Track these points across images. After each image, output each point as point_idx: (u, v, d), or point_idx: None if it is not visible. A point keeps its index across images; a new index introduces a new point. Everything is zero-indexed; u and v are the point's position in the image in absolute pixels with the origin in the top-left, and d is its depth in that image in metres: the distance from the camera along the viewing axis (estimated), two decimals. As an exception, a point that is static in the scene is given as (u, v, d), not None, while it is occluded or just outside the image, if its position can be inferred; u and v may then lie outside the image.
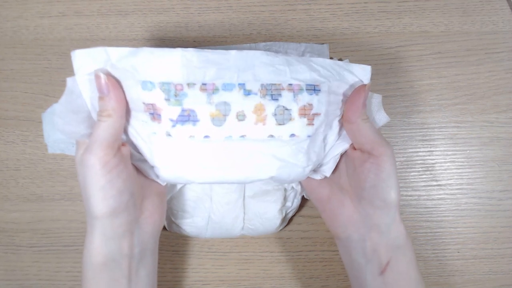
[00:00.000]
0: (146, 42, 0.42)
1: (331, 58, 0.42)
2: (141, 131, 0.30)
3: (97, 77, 0.28)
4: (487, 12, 0.43)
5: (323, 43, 0.42)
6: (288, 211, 0.39)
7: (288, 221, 0.40)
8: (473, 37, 0.42)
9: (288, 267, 0.40)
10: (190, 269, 0.40)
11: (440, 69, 0.42)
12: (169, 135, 0.28)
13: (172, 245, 0.40)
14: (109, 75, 0.28)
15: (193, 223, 0.38)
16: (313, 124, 0.29)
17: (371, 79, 0.32)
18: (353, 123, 0.31)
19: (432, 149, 0.42)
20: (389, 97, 0.42)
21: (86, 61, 0.28)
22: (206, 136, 0.28)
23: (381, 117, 0.34)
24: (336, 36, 0.42)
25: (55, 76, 0.41)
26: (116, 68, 0.28)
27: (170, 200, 0.38)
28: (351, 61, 0.36)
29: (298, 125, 0.29)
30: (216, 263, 0.40)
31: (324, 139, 0.32)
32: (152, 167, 0.31)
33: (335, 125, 0.32)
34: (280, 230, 0.40)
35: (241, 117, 0.28)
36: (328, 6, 0.42)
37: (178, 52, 0.27)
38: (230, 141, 0.28)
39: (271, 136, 0.29)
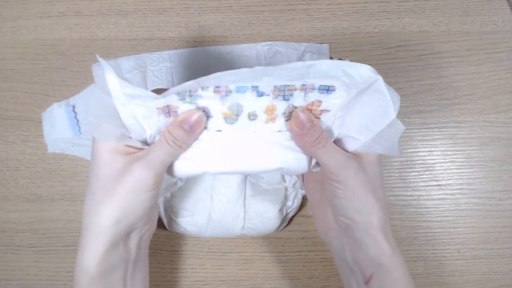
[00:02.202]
0: (146, 42, 0.42)
1: (331, 58, 0.42)
2: (154, 132, 0.29)
3: (193, 112, 0.28)
4: (487, 12, 0.43)
5: (323, 43, 0.42)
6: (288, 211, 0.39)
7: (288, 221, 0.40)
8: (473, 37, 0.42)
9: (288, 267, 0.40)
10: (190, 269, 0.40)
11: (440, 69, 0.42)
12: None
13: (172, 245, 0.40)
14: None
15: (193, 221, 0.38)
16: (319, 118, 0.30)
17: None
18: (307, 151, 0.30)
19: (432, 149, 0.42)
20: (389, 97, 0.42)
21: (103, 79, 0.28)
22: (219, 130, 0.29)
23: (390, 146, 0.30)
24: (336, 36, 0.42)
25: (55, 76, 0.41)
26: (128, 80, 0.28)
27: (171, 198, 0.38)
28: (351, 61, 0.35)
29: None
30: (216, 263, 0.40)
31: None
32: None
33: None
34: (280, 230, 0.40)
35: (252, 117, 0.29)
36: (328, 6, 0.42)
37: (195, 82, 0.26)
38: (242, 133, 0.29)
39: (280, 131, 0.30)
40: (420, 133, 0.42)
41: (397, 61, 0.42)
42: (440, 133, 0.42)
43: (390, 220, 0.41)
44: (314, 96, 0.29)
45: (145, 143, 0.30)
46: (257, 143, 0.29)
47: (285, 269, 0.40)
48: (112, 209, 0.27)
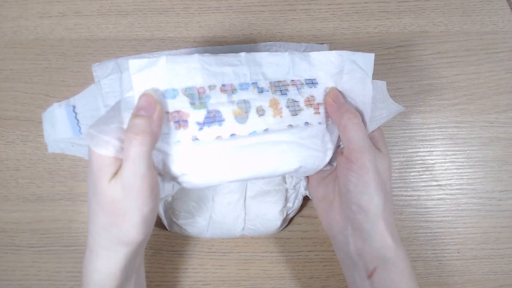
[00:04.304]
0: (146, 42, 0.42)
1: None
2: (160, 145, 0.28)
3: (146, 95, 0.27)
4: (487, 12, 0.43)
5: (323, 43, 0.42)
6: (289, 212, 0.39)
7: (288, 221, 0.40)
8: (473, 37, 0.42)
9: (288, 267, 0.40)
10: (191, 269, 0.40)
11: (440, 69, 0.42)
12: (196, 139, 0.28)
13: (172, 245, 0.40)
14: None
15: (194, 222, 0.38)
16: (319, 113, 0.32)
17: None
18: (339, 125, 0.31)
19: (432, 149, 0.42)
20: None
21: (108, 75, 0.29)
22: (233, 135, 0.29)
23: (388, 106, 0.33)
24: (336, 36, 0.42)
25: (55, 76, 0.41)
26: (133, 80, 0.28)
27: (173, 201, 0.38)
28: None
29: (307, 114, 0.32)
30: (216, 263, 0.40)
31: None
32: (171, 178, 0.30)
33: None
34: (280, 230, 0.40)
35: (261, 112, 0.30)
36: (328, 6, 0.42)
37: (196, 57, 0.28)
38: (255, 135, 0.30)
39: (290, 126, 0.31)
40: (420, 133, 0.42)
41: (397, 61, 0.42)
42: (440, 133, 0.42)
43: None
44: (306, 91, 0.32)
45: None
46: (272, 144, 0.30)
47: (285, 269, 0.40)
48: (124, 231, 0.26)
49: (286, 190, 0.38)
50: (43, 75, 0.41)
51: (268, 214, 0.38)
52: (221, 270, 0.40)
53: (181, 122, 0.28)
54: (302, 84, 0.32)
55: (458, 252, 0.41)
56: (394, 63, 0.42)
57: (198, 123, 0.28)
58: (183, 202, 0.37)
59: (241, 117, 0.29)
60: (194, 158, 0.29)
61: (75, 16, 0.42)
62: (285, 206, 0.38)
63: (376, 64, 0.41)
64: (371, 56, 0.32)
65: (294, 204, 0.39)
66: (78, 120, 0.40)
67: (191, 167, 0.29)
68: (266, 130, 0.30)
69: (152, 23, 0.42)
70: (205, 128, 0.28)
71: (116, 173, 0.26)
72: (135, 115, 0.26)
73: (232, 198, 0.37)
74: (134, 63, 0.27)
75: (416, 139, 0.42)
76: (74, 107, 0.40)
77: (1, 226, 0.40)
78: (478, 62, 0.42)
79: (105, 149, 0.26)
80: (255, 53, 0.31)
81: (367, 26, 0.42)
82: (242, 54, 0.30)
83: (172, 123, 0.28)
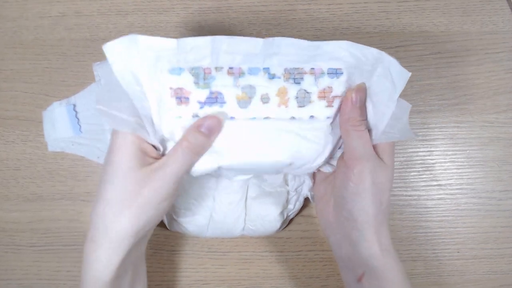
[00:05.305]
0: (146, 42, 0.42)
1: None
2: (163, 121, 0.29)
3: (210, 116, 0.28)
4: (487, 12, 0.43)
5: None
6: (289, 214, 0.39)
7: (288, 222, 0.40)
8: (473, 37, 0.42)
9: (288, 266, 0.40)
10: (190, 268, 0.40)
11: (440, 69, 0.42)
12: (197, 115, 0.29)
13: (172, 244, 0.40)
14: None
15: (194, 221, 0.38)
16: (332, 106, 0.31)
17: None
18: (342, 128, 0.30)
19: (432, 149, 0.42)
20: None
21: (120, 52, 0.28)
22: (232, 117, 0.29)
23: (403, 130, 0.31)
24: (336, 36, 0.42)
25: (55, 76, 0.41)
26: (145, 56, 0.28)
27: None
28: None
29: (317, 107, 0.30)
30: (216, 263, 0.40)
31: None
32: None
33: None
34: (281, 230, 0.40)
35: (265, 99, 0.29)
36: (328, 6, 0.42)
37: (207, 39, 0.27)
38: (255, 121, 0.29)
39: (293, 117, 0.30)
40: (420, 133, 0.42)
41: (397, 61, 0.42)
42: (440, 133, 0.42)
43: (390, 220, 0.41)
44: (324, 82, 0.30)
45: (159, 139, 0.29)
46: (270, 131, 0.30)
47: (285, 268, 0.40)
48: (132, 221, 0.27)
49: (288, 192, 0.38)
50: (43, 75, 0.41)
51: (268, 216, 0.38)
52: (220, 270, 0.40)
53: (183, 99, 0.28)
54: (323, 73, 0.30)
55: (458, 252, 0.41)
56: (394, 63, 0.42)
57: (200, 102, 0.29)
58: (184, 200, 0.37)
59: (244, 102, 0.29)
60: None
61: (75, 16, 0.42)
62: (286, 208, 0.38)
63: (376, 64, 0.42)
64: (407, 74, 0.29)
65: (295, 206, 0.39)
66: (78, 119, 0.40)
67: None
68: (266, 118, 0.30)
69: (152, 23, 0.42)
70: (206, 107, 0.29)
71: (142, 159, 0.27)
72: (199, 129, 0.28)
73: (233, 198, 0.37)
74: (144, 39, 0.27)
75: (416, 139, 0.42)
76: (74, 105, 0.40)
77: (1, 225, 0.40)
78: (478, 62, 0.42)
79: (122, 125, 0.27)
80: (276, 38, 0.28)
81: (367, 26, 0.42)
82: (260, 40, 0.28)
83: (174, 99, 0.28)
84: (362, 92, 0.30)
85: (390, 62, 0.29)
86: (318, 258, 0.40)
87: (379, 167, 0.30)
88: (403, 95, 0.42)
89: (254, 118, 0.30)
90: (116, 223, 0.27)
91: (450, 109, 0.42)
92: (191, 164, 0.29)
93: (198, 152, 0.28)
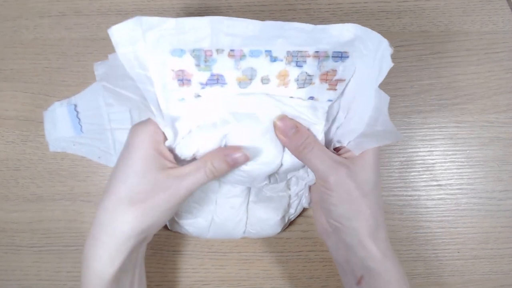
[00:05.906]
0: (146, 42, 0.42)
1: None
2: (169, 105, 0.30)
3: (239, 149, 0.29)
4: (487, 12, 0.43)
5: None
6: (290, 217, 0.39)
7: (288, 224, 0.40)
8: (473, 37, 0.42)
9: (288, 267, 0.40)
10: (191, 269, 0.40)
11: (440, 69, 0.42)
12: (198, 95, 0.30)
13: (173, 245, 0.40)
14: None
15: (195, 223, 0.37)
16: (335, 89, 0.31)
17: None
18: (296, 157, 0.31)
19: (432, 149, 0.42)
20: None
21: (124, 35, 0.27)
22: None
23: (384, 122, 0.30)
24: (336, 36, 0.42)
25: (55, 76, 0.41)
26: (147, 37, 0.27)
27: None
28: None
29: (317, 89, 0.30)
30: (216, 263, 0.40)
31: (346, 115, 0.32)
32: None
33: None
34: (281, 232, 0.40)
35: (265, 81, 0.30)
36: (328, 6, 0.42)
37: (206, 19, 0.27)
38: (254, 94, 0.30)
39: (291, 97, 0.31)
40: (420, 133, 0.42)
41: (397, 61, 0.42)
42: (440, 133, 0.42)
43: (390, 220, 0.41)
44: (328, 65, 0.30)
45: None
46: (269, 101, 0.30)
47: (285, 269, 0.40)
48: (139, 221, 0.27)
49: (289, 197, 0.38)
50: (43, 74, 0.41)
51: (270, 220, 0.37)
52: (221, 270, 0.40)
53: (184, 81, 0.29)
54: (328, 56, 0.29)
55: (459, 252, 0.41)
56: (394, 63, 0.42)
57: (201, 83, 0.29)
58: (186, 203, 0.37)
59: (244, 83, 0.29)
60: (196, 112, 0.30)
61: (75, 15, 0.42)
62: (287, 212, 0.38)
63: (376, 64, 0.42)
64: (391, 64, 0.30)
65: (296, 210, 0.39)
66: (79, 119, 0.40)
67: (194, 123, 0.30)
68: (265, 94, 0.30)
69: (152, 23, 0.42)
70: (207, 88, 0.29)
71: (158, 161, 0.28)
72: (226, 159, 0.29)
73: (235, 202, 0.37)
74: (145, 20, 0.27)
75: (416, 139, 0.42)
76: (75, 105, 0.40)
77: (2, 226, 0.40)
78: (478, 62, 0.42)
79: (126, 102, 0.27)
80: (280, 22, 0.27)
81: (367, 26, 0.42)
82: (260, 22, 0.27)
83: (176, 81, 0.29)
84: (285, 118, 0.30)
85: (385, 49, 0.29)
86: (318, 258, 0.40)
87: (352, 173, 0.30)
88: (403, 94, 0.42)
89: (254, 93, 0.30)
90: (124, 222, 0.27)
91: (450, 109, 0.42)
92: (206, 183, 0.29)
93: (216, 176, 0.29)
